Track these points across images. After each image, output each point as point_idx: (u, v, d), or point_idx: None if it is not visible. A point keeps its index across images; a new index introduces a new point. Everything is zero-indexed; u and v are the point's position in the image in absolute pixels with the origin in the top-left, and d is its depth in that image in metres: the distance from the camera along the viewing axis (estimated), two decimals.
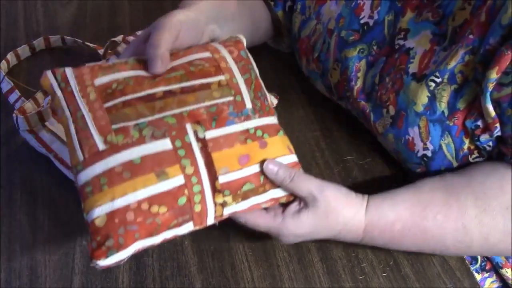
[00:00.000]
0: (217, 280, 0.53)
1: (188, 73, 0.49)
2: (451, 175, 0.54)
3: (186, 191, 0.44)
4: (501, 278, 0.67)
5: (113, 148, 0.44)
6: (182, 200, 0.44)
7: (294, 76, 0.74)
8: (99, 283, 0.52)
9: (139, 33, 0.75)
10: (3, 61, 0.71)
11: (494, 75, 0.46)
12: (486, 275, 0.66)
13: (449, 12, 0.52)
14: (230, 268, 0.54)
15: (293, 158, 0.52)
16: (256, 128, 0.50)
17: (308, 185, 0.49)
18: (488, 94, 0.48)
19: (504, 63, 0.46)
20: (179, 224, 0.44)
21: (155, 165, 0.44)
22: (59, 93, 0.47)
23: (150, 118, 0.46)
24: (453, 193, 0.51)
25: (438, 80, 0.51)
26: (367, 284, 0.54)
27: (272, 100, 0.69)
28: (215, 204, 0.46)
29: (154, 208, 0.43)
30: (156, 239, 0.44)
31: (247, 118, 0.50)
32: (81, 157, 0.44)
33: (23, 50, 0.75)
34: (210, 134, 0.47)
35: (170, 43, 0.49)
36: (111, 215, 0.42)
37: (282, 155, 0.50)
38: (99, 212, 0.42)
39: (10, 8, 0.85)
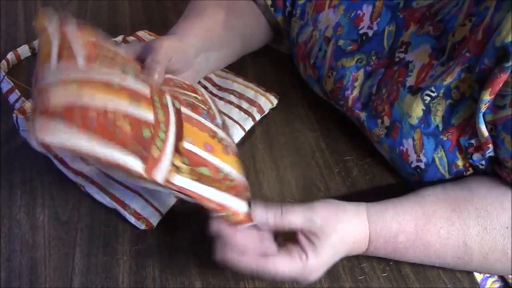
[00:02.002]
0: (217, 280, 0.53)
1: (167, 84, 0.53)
2: (453, 187, 0.53)
3: (152, 129, 0.43)
4: (502, 278, 0.67)
5: (93, 69, 0.43)
6: (146, 133, 0.42)
7: (294, 76, 0.74)
8: (99, 283, 0.52)
9: (139, 33, 0.75)
10: (3, 61, 0.71)
11: (487, 96, 0.46)
12: (488, 274, 0.66)
13: (450, 27, 0.52)
14: (230, 268, 0.54)
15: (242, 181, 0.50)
16: (222, 138, 0.50)
17: (297, 211, 0.48)
18: (481, 115, 0.48)
19: (497, 85, 0.45)
20: (133, 152, 0.41)
21: (131, 93, 0.43)
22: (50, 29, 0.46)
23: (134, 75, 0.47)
24: (455, 209, 0.50)
25: (433, 94, 0.51)
26: (367, 284, 0.54)
27: (272, 100, 0.69)
28: (172, 163, 0.43)
29: (119, 120, 0.41)
30: (104, 150, 0.40)
31: (217, 126, 0.51)
32: (54, 63, 0.42)
33: (23, 50, 0.75)
34: (185, 111, 0.48)
35: (167, 62, 0.54)
36: (72, 104, 0.39)
37: (238, 172, 0.49)
38: (58, 97, 0.39)
39: (10, 8, 0.85)
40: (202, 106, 0.53)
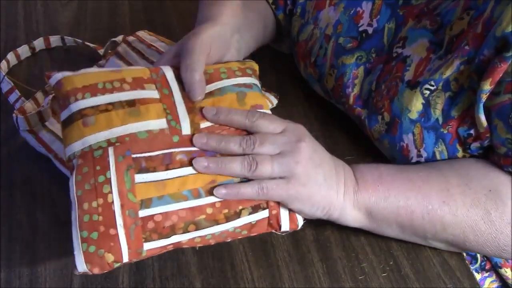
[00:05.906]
0: (217, 280, 0.53)
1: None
2: (439, 162, 0.54)
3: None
4: (501, 278, 0.67)
5: None
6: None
7: (294, 76, 0.74)
8: (99, 283, 0.52)
9: (139, 33, 0.75)
10: (3, 61, 0.71)
11: (487, 86, 0.46)
12: (486, 274, 0.66)
13: (448, 21, 0.52)
14: (230, 268, 0.54)
15: None
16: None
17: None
18: (481, 105, 0.48)
19: (497, 75, 0.46)
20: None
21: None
22: None
23: None
24: (435, 171, 0.52)
25: (432, 88, 0.51)
26: (367, 284, 0.54)
27: (272, 100, 0.69)
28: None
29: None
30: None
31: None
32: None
33: (23, 50, 0.75)
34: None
35: (204, 64, 0.51)
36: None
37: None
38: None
39: (10, 8, 0.85)
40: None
